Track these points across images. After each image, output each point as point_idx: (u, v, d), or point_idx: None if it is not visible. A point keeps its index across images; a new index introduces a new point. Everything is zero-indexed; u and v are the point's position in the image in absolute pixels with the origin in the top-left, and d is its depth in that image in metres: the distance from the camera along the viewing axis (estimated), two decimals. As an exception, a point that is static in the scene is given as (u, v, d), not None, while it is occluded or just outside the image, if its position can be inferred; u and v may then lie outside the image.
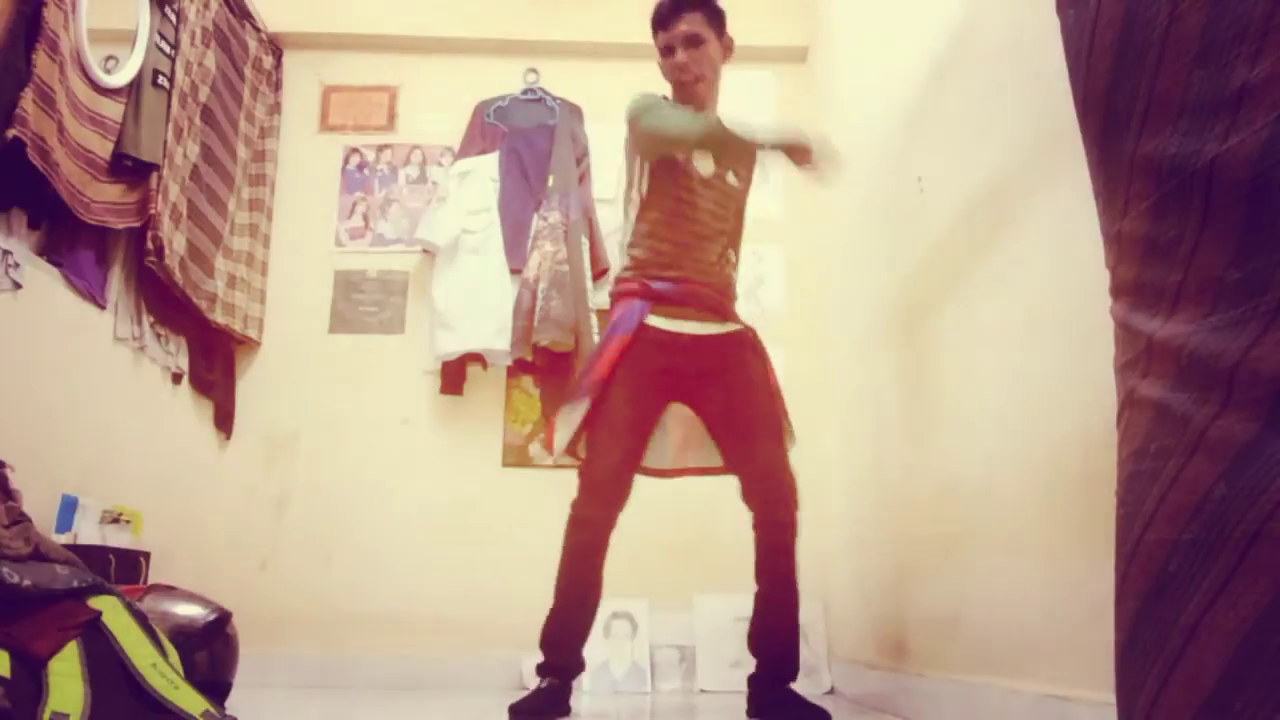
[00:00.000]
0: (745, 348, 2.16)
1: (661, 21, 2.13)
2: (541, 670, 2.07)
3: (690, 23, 2.10)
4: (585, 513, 2.07)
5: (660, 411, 2.17)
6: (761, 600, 2.15)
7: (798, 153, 1.99)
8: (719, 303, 2.14)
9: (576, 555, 2.07)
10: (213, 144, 2.89)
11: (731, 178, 2.20)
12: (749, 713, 2.11)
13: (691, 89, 2.14)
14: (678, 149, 2.08)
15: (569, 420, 2.09)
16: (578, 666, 2.11)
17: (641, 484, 2.57)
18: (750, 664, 2.20)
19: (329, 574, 3.00)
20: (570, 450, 2.13)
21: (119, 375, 2.56)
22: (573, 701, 2.14)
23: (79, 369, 2.35)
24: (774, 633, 2.12)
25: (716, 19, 2.17)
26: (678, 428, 2.24)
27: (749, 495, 2.15)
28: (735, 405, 2.12)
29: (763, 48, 3.49)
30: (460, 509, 3.06)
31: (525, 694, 2.04)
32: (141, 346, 2.62)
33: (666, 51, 2.14)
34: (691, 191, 2.12)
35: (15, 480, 1.69)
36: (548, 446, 2.22)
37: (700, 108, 2.13)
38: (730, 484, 2.46)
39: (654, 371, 2.09)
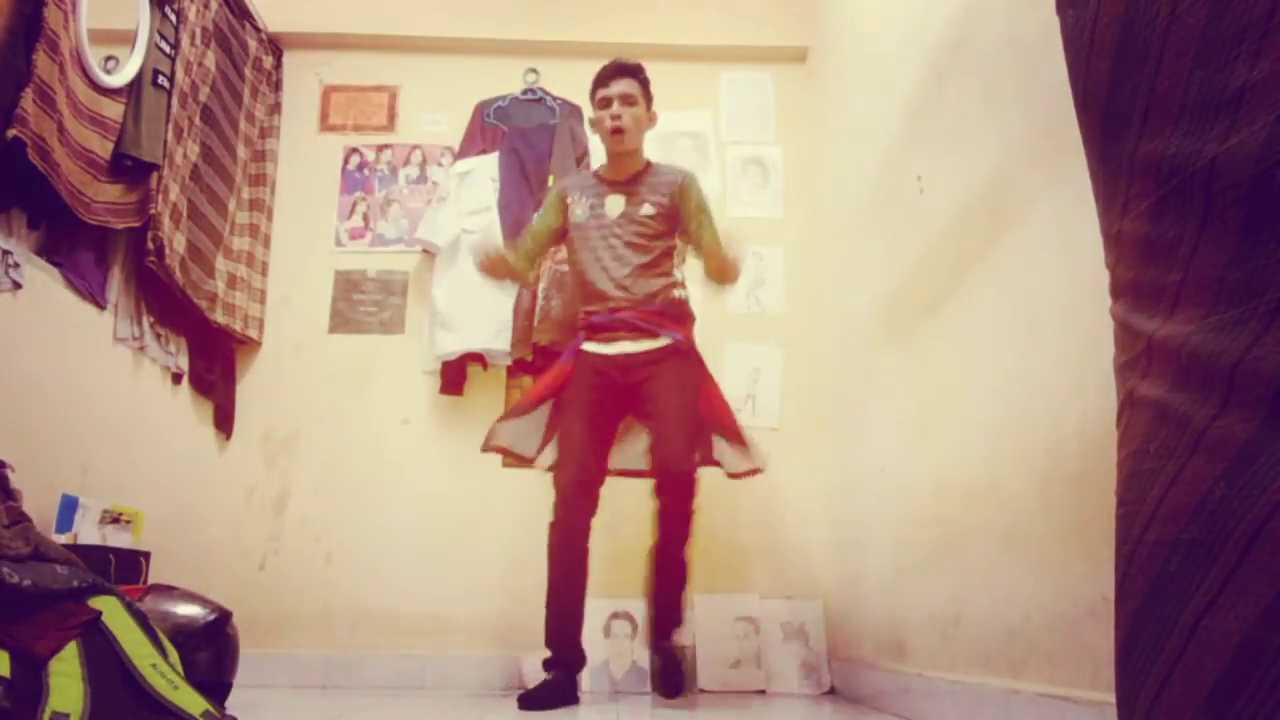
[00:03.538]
0: (676, 358, 2.43)
1: (604, 81, 2.52)
2: (546, 665, 2.35)
3: (627, 85, 2.50)
4: (558, 519, 2.38)
5: (614, 424, 2.49)
6: (654, 556, 2.42)
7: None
8: (649, 322, 2.43)
9: (556, 557, 2.36)
10: (213, 144, 2.89)
11: (646, 208, 2.50)
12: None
13: (618, 142, 2.50)
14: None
15: (507, 431, 2.53)
16: (577, 659, 2.38)
17: (641, 487, 2.58)
18: (751, 663, 2.25)
19: (329, 574, 3.00)
20: (499, 450, 2.57)
21: (119, 375, 2.56)
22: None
23: (79, 369, 2.35)
24: (661, 589, 2.41)
25: (647, 90, 2.55)
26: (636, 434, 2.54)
27: (654, 463, 2.36)
28: (656, 398, 2.39)
29: (763, 48, 3.50)
30: (460, 509, 3.06)
31: (535, 686, 2.30)
32: (141, 346, 2.62)
33: (604, 104, 2.51)
34: (604, 234, 2.49)
35: (15, 480, 1.69)
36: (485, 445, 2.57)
37: (624, 154, 2.53)
38: (731, 486, 2.47)
39: (594, 389, 2.42)
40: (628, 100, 2.49)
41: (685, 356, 2.44)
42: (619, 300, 2.44)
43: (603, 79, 2.53)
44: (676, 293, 2.50)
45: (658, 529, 2.36)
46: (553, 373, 2.52)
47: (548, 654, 2.35)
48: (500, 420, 2.56)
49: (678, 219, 2.52)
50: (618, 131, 2.48)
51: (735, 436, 2.46)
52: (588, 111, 3.31)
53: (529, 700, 2.22)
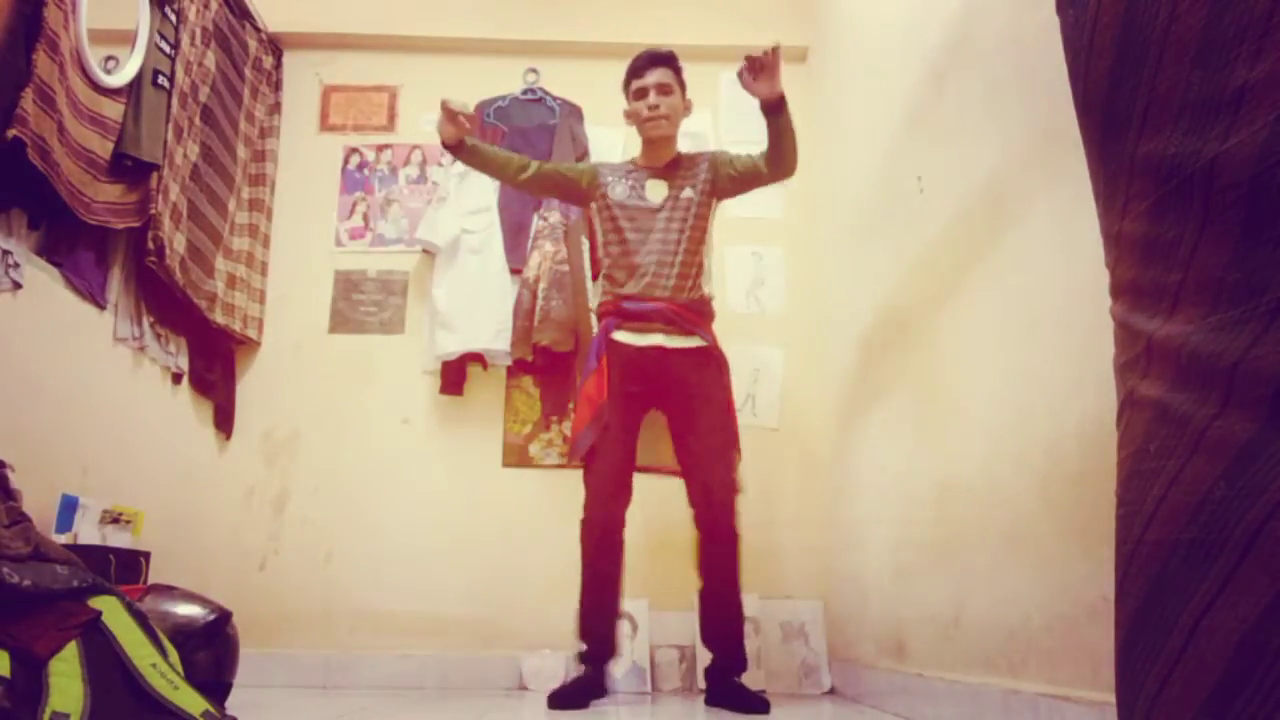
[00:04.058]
0: (708, 363, 2.42)
1: (638, 71, 2.50)
2: (581, 658, 2.34)
3: (662, 75, 2.48)
4: (593, 514, 2.34)
5: (641, 416, 2.44)
6: (704, 599, 2.38)
7: None
8: (682, 318, 2.40)
9: (594, 551, 2.33)
10: (213, 144, 2.88)
11: (688, 192, 2.48)
12: (706, 701, 2.40)
13: (657, 126, 2.48)
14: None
15: (588, 439, 2.37)
16: (610, 652, 2.36)
17: (642, 486, 2.58)
18: (751, 663, 2.25)
19: (329, 573, 3.00)
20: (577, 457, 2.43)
21: (119, 375, 2.56)
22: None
23: (79, 369, 2.35)
24: (717, 634, 2.36)
25: (680, 78, 2.53)
26: (656, 429, 2.51)
27: (694, 500, 2.36)
28: (693, 415, 2.37)
29: (763, 48, 3.49)
30: (460, 509, 3.06)
31: (565, 683, 2.33)
32: (141, 346, 2.62)
33: (640, 94, 2.49)
34: (649, 218, 2.46)
35: (15, 480, 1.69)
36: (572, 454, 2.46)
37: (661, 145, 2.52)
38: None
39: (628, 381, 2.38)
40: (664, 90, 2.47)
41: (719, 366, 2.42)
42: (658, 289, 2.39)
43: (637, 70, 2.50)
44: (706, 289, 2.47)
45: (702, 565, 2.33)
46: (596, 375, 2.41)
47: (582, 648, 2.33)
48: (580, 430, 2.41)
49: (714, 200, 2.50)
50: (658, 119, 2.46)
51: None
52: (588, 111, 3.33)
53: (562, 699, 2.22)
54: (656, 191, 2.49)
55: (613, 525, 2.33)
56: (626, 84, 2.53)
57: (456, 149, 2.45)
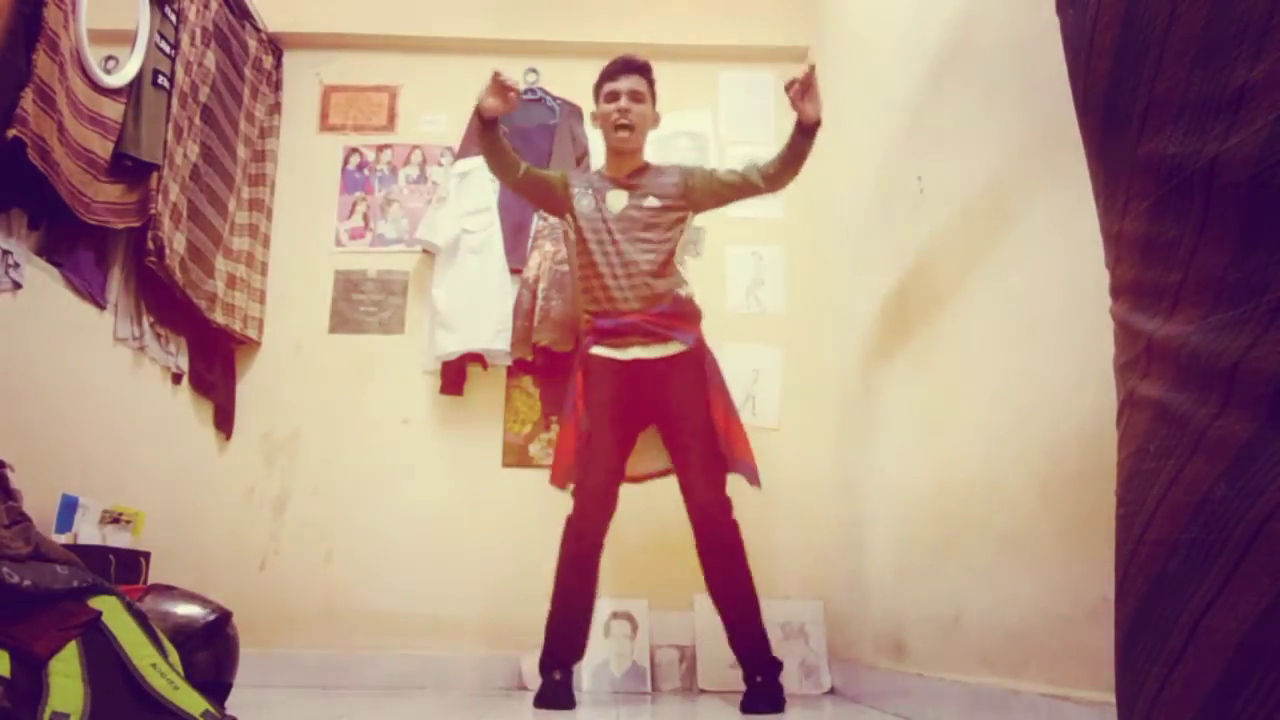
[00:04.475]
0: (688, 367, 2.39)
1: (612, 75, 2.50)
2: (547, 665, 2.31)
3: (636, 82, 2.49)
4: (580, 523, 2.34)
5: (635, 431, 2.45)
6: (717, 605, 2.37)
7: None
8: (660, 326, 2.39)
9: (574, 560, 2.34)
10: (213, 144, 2.88)
11: (651, 200, 2.47)
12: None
13: (626, 132, 2.47)
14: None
15: (573, 471, 2.39)
16: (580, 656, 2.36)
17: (641, 486, 2.58)
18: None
19: (329, 574, 3.00)
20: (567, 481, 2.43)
21: (119, 375, 2.56)
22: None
23: (79, 369, 2.35)
24: (730, 637, 2.36)
25: (653, 89, 2.54)
26: (648, 439, 2.52)
27: (690, 516, 2.36)
28: (678, 429, 2.38)
29: (763, 48, 3.49)
30: (460, 509, 3.06)
31: (541, 689, 2.28)
32: (141, 346, 2.62)
33: (611, 98, 2.48)
34: (608, 232, 2.43)
35: (15, 480, 1.69)
36: (556, 481, 2.46)
37: (626, 154, 2.51)
38: (731, 487, 2.47)
39: (614, 393, 2.37)
40: (636, 97, 2.47)
41: (700, 366, 2.39)
42: (629, 303, 2.38)
43: (611, 73, 2.50)
44: (682, 291, 2.45)
45: (708, 579, 2.33)
46: (576, 387, 2.42)
47: (542, 655, 2.32)
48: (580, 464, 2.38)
49: (687, 211, 2.49)
50: (625, 127, 2.46)
51: (733, 457, 2.37)
52: (588, 111, 3.33)
53: (550, 700, 2.24)
54: (617, 201, 2.48)
55: (593, 534, 2.32)
56: (598, 86, 2.53)
57: (489, 125, 2.39)
